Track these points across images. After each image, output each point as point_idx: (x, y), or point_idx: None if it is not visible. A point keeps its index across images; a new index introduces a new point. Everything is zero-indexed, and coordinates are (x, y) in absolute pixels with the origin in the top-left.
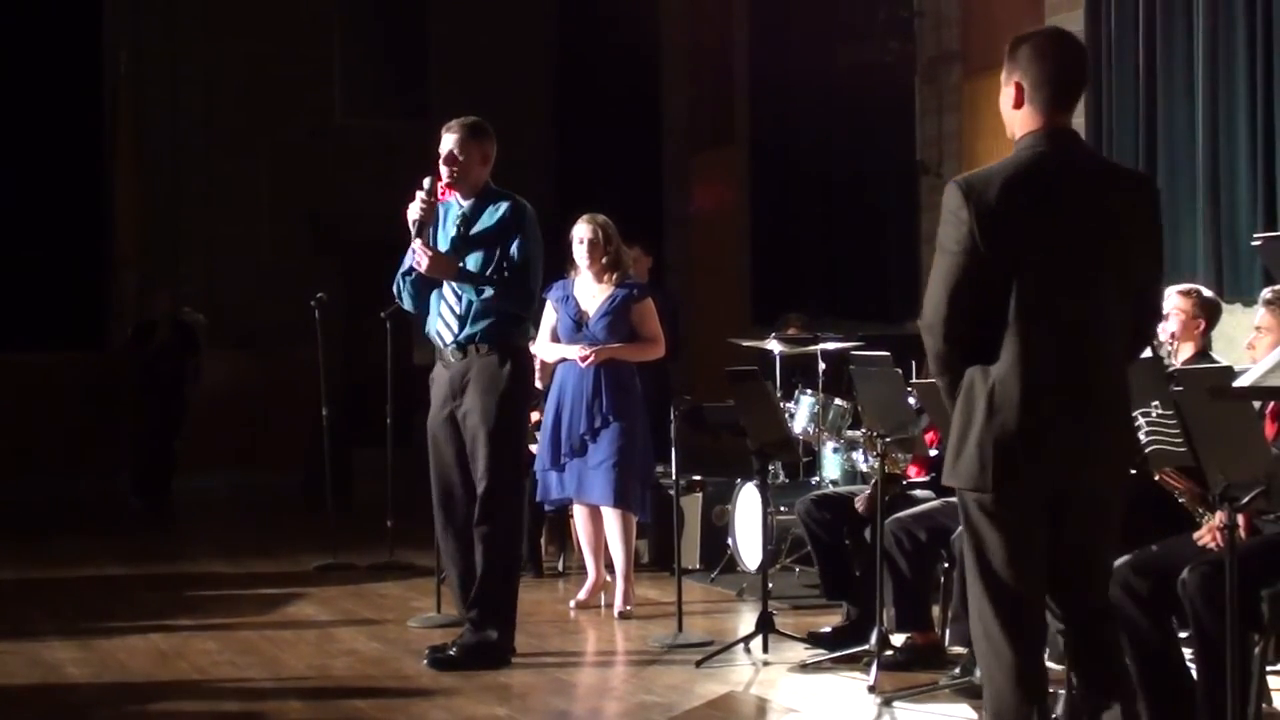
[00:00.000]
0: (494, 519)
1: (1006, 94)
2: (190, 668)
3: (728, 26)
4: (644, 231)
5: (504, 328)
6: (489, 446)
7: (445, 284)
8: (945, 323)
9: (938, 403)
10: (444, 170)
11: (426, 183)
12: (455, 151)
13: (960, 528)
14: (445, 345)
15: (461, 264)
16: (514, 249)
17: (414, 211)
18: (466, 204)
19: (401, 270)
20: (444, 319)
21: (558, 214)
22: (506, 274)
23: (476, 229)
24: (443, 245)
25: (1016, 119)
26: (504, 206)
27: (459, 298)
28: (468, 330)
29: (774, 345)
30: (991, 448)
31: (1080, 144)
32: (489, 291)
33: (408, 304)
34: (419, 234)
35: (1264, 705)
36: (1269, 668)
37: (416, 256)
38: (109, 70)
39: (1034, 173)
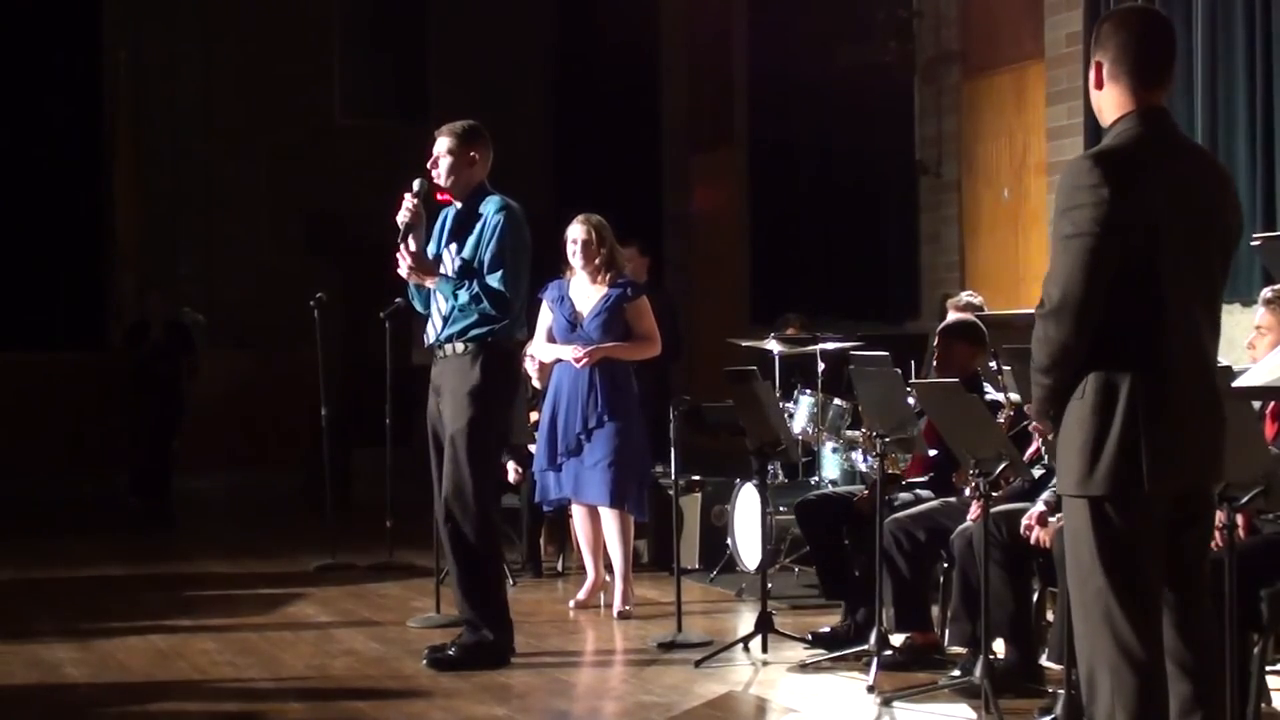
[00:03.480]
0: (454, 518)
1: (1091, 74)
2: (189, 668)
3: (727, 26)
4: (643, 231)
5: (481, 328)
6: (452, 446)
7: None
8: (1082, 309)
9: (940, 404)
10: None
11: (415, 185)
12: (438, 155)
13: (959, 527)
14: (429, 344)
15: (452, 266)
16: (488, 250)
17: (401, 216)
18: (461, 206)
19: None
20: (432, 319)
21: (557, 214)
22: (481, 275)
23: (463, 228)
24: (436, 249)
25: (1104, 102)
26: (487, 205)
27: (446, 299)
28: (445, 330)
29: (773, 345)
30: (1143, 452)
31: (1175, 125)
32: (464, 294)
33: (418, 305)
34: (403, 238)
35: (1263, 704)
36: (1268, 667)
37: (399, 261)
38: (109, 70)
39: (1146, 155)
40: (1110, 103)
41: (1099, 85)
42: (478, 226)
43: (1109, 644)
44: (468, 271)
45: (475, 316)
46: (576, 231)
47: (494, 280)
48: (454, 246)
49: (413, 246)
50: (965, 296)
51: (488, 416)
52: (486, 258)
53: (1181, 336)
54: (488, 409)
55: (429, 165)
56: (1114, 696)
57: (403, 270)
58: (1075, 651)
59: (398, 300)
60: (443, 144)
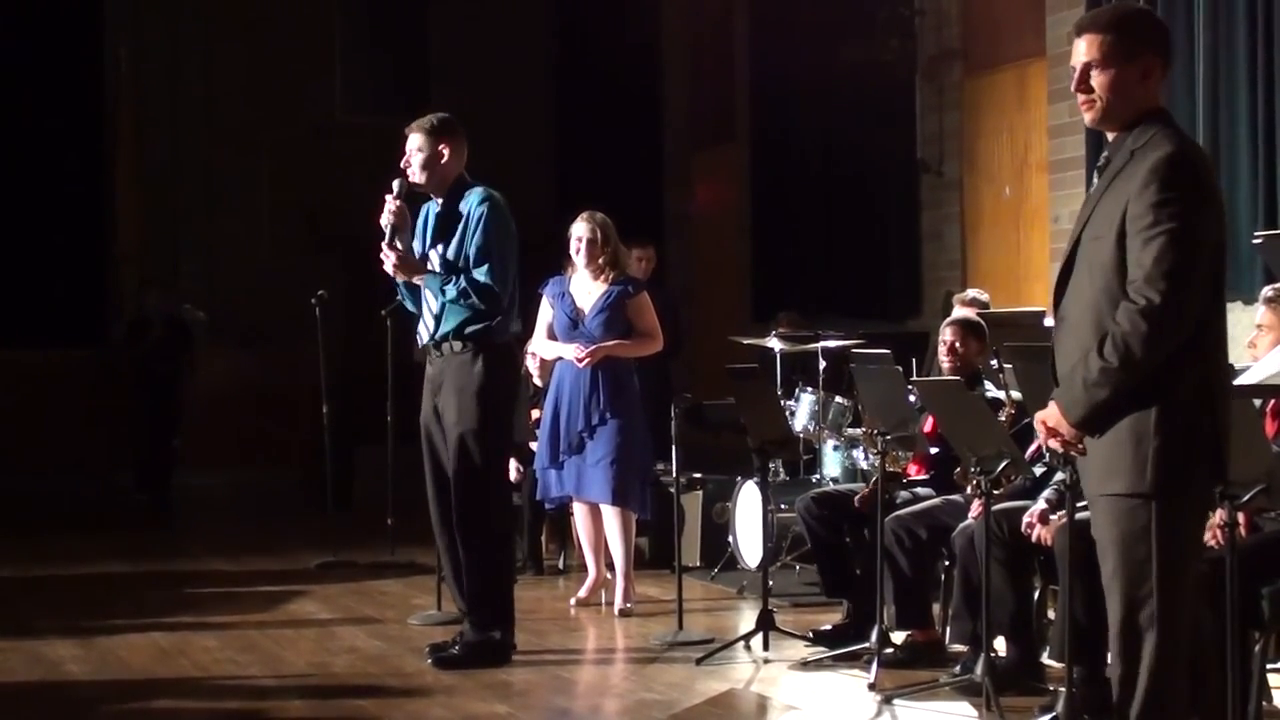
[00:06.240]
0: (468, 519)
1: (1129, 70)
2: (191, 665)
3: (729, 24)
4: (644, 229)
5: (477, 324)
6: (460, 445)
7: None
8: (1192, 301)
9: (942, 402)
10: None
11: (395, 185)
12: (409, 152)
13: (960, 525)
14: (424, 343)
15: (439, 264)
16: (472, 244)
17: (384, 218)
18: (442, 203)
19: None
20: (424, 318)
21: (558, 212)
22: (467, 269)
23: (447, 224)
24: (422, 247)
25: (1135, 98)
26: (469, 199)
27: (436, 297)
28: (441, 328)
29: (774, 343)
30: (1211, 451)
31: None
32: (451, 289)
33: (409, 304)
34: (389, 241)
35: (1264, 703)
36: (1269, 665)
37: (385, 260)
38: (109, 70)
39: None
40: (1140, 100)
41: (1153, 86)
42: (460, 218)
43: (1160, 646)
44: (453, 268)
45: (467, 313)
46: (581, 230)
47: (481, 274)
48: (440, 245)
49: (399, 246)
50: (972, 293)
51: (495, 415)
52: (472, 251)
53: (1222, 334)
54: (495, 408)
55: (402, 164)
56: (1163, 698)
57: (389, 268)
58: (1090, 650)
59: (399, 297)
60: (412, 141)
